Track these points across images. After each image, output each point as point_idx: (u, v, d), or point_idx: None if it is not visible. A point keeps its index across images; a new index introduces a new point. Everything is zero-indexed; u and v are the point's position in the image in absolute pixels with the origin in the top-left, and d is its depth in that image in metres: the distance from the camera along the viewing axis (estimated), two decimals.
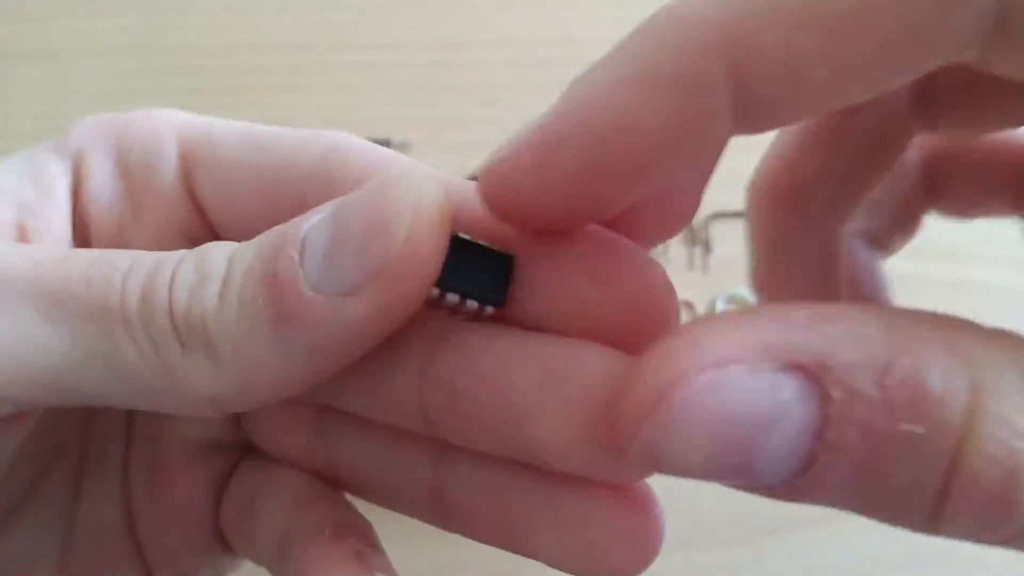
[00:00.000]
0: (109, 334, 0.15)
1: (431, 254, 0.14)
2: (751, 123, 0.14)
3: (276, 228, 0.15)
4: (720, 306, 0.36)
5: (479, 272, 0.15)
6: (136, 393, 0.15)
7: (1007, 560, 0.30)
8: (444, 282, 0.14)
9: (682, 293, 0.36)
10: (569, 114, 0.13)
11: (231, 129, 0.19)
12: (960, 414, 0.11)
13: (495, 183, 0.14)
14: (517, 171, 0.14)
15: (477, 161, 0.37)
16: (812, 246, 0.21)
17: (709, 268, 0.36)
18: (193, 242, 0.18)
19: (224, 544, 0.21)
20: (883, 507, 0.12)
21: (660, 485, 0.32)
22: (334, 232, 0.14)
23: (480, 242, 0.15)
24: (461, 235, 0.15)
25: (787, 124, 0.15)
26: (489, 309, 0.15)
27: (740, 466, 0.11)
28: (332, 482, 0.20)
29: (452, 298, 0.15)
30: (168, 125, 0.19)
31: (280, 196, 0.18)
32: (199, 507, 0.20)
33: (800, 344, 0.11)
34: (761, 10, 0.12)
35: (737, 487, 0.12)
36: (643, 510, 0.16)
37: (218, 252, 0.15)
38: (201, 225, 0.19)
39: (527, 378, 0.15)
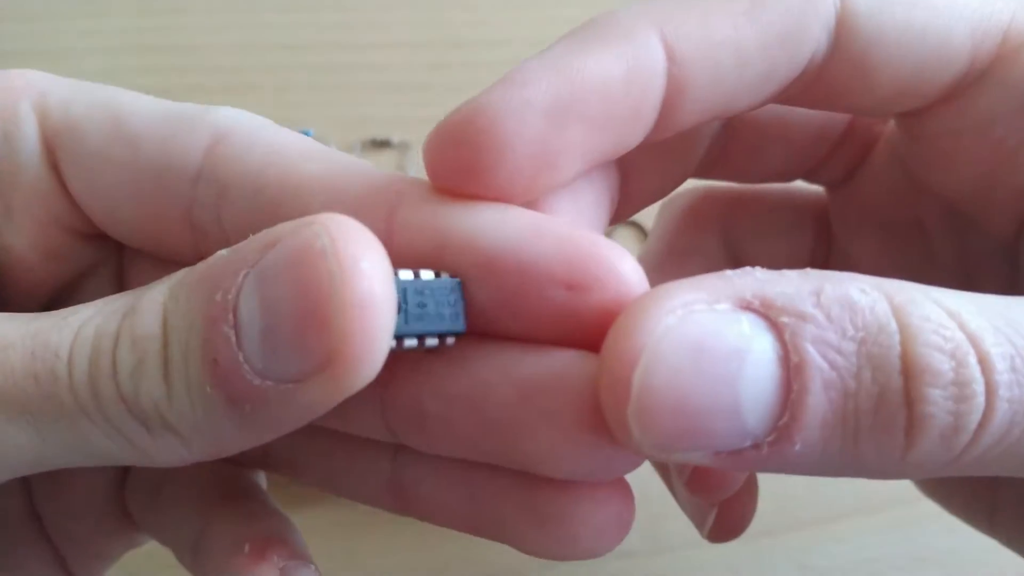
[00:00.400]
0: (74, 427, 0.14)
1: (381, 325, 0.12)
2: (670, 118, 0.16)
3: (202, 280, 0.13)
4: None
5: (433, 306, 0.14)
6: (117, 461, 0.15)
7: (1008, 561, 0.30)
8: (399, 332, 0.13)
9: None
10: (536, 72, 0.15)
11: (94, 115, 0.17)
12: (891, 318, 0.13)
13: (449, 146, 0.15)
14: (476, 130, 0.15)
15: None
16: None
17: None
18: (80, 237, 0.17)
19: (135, 523, 0.20)
20: (863, 434, 0.13)
21: (661, 488, 0.32)
22: (265, 319, 0.12)
23: (424, 274, 0.14)
24: (403, 276, 0.13)
25: (697, 121, 0.17)
26: (451, 340, 0.14)
27: (731, 405, 0.12)
28: (258, 463, 0.19)
29: (411, 343, 0.14)
30: (26, 104, 0.17)
31: (163, 199, 0.16)
32: (101, 492, 0.20)
33: (743, 288, 0.13)
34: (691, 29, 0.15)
35: (737, 451, 0.13)
36: (620, 498, 0.16)
37: (150, 322, 0.14)
38: (82, 220, 0.17)
39: (506, 395, 0.14)
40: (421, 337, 0.14)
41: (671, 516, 0.32)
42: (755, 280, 0.13)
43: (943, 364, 0.12)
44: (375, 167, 0.17)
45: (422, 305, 0.13)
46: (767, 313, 0.13)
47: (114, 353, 0.14)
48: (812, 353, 0.12)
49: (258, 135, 0.17)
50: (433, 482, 0.17)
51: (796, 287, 0.13)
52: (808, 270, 0.13)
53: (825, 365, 0.12)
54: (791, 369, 0.12)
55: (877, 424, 0.13)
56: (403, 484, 0.17)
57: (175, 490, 0.19)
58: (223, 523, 0.18)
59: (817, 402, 0.12)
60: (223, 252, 0.13)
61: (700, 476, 0.20)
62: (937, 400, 0.12)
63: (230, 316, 0.13)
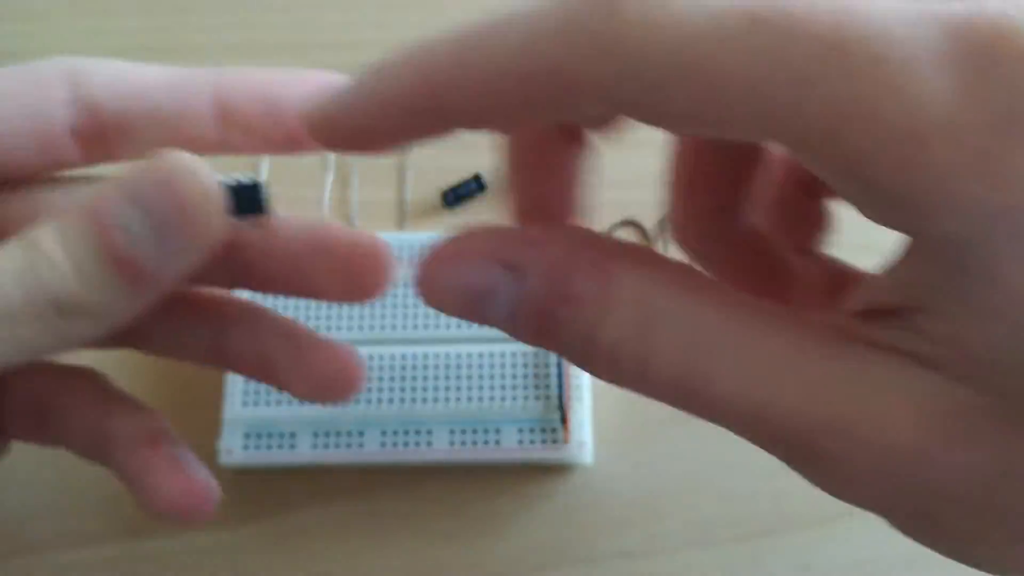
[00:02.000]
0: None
1: (218, 208, 0.20)
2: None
3: (90, 209, 0.19)
4: None
5: (246, 197, 0.21)
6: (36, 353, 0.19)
7: None
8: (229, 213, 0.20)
9: None
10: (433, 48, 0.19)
11: None
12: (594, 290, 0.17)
13: (331, 109, 0.19)
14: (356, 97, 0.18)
15: (477, 158, 0.37)
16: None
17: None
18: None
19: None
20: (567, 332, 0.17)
21: (660, 489, 0.32)
22: (152, 220, 0.19)
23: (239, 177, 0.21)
24: (225, 180, 0.20)
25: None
26: (261, 218, 0.21)
27: (480, 311, 0.18)
28: (115, 342, 0.24)
29: (236, 219, 0.20)
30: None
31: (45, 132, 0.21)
32: None
33: (509, 251, 0.17)
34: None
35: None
36: (354, 359, 0.23)
37: (50, 237, 0.19)
38: None
39: (296, 248, 0.23)
40: (244, 216, 0.20)
41: (670, 516, 0.32)
42: (503, 242, 0.18)
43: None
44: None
45: (240, 196, 0.20)
46: (510, 267, 0.18)
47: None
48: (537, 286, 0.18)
49: (99, 65, 0.22)
50: (239, 347, 0.24)
51: (490, 250, 0.18)
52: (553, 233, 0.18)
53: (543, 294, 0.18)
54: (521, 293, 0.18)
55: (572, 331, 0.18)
56: (221, 349, 0.24)
57: (65, 407, 0.24)
58: (120, 426, 0.23)
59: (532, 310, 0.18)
60: (95, 187, 0.20)
61: None
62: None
63: (122, 224, 0.19)
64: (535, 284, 0.17)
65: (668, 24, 0.14)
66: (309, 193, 0.38)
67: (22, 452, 0.33)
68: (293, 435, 0.32)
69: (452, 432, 0.32)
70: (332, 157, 0.38)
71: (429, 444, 0.32)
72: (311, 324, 0.33)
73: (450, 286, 0.18)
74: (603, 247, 0.18)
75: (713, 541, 0.31)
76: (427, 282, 0.19)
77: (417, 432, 0.32)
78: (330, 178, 0.38)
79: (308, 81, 0.23)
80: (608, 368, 0.17)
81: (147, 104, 0.21)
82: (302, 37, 0.42)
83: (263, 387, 0.32)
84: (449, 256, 0.18)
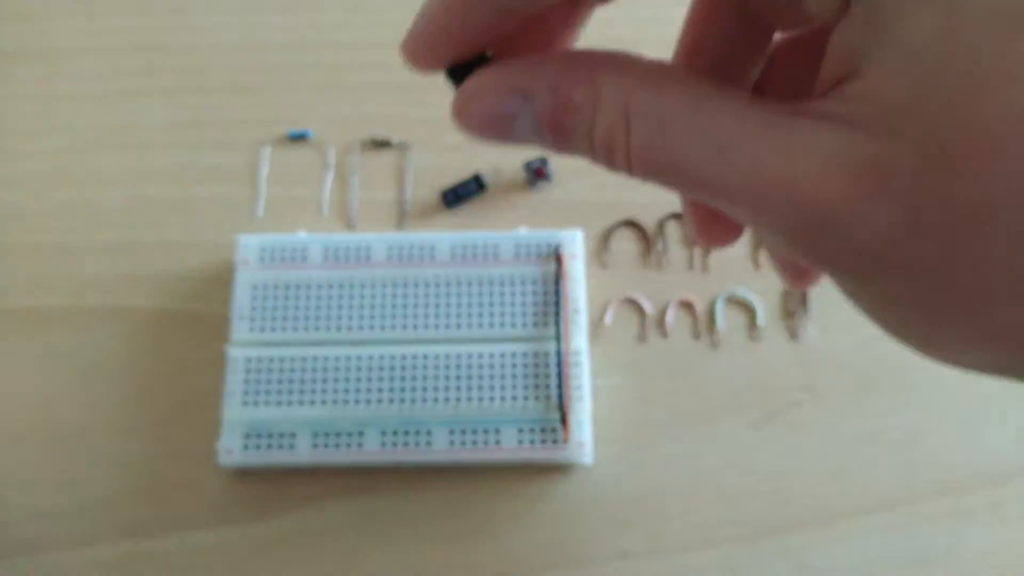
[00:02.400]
0: None
1: None
2: None
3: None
4: (720, 306, 0.36)
5: None
6: None
7: (1008, 561, 0.30)
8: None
9: (682, 293, 0.36)
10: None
11: None
12: (590, 102, 0.20)
13: (412, 46, 0.22)
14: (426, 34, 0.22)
15: (478, 160, 0.37)
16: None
17: (709, 268, 0.36)
18: None
19: None
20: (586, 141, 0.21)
21: (660, 489, 0.32)
22: None
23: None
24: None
25: None
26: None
27: (510, 132, 0.21)
28: None
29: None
30: None
31: None
32: None
33: (517, 81, 0.21)
34: None
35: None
36: None
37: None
38: None
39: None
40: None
41: (671, 516, 0.32)
42: (528, 76, 0.21)
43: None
44: None
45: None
46: (529, 95, 0.21)
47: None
48: (545, 105, 0.21)
49: None
50: None
51: (546, 84, 0.21)
52: (570, 60, 0.21)
53: (551, 110, 0.21)
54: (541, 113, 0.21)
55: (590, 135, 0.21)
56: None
57: None
58: None
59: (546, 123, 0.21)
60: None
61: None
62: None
63: None
64: (543, 102, 0.21)
65: None
66: (309, 193, 0.38)
67: (23, 452, 0.33)
68: (293, 436, 0.32)
69: (452, 432, 0.32)
70: (332, 157, 0.38)
71: (429, 444, 0.32)
72: (312, 324, 0.33)
73: (480, 118, 0.22)
74: (590, 62, 0.21)
75: (713, 541, 0.31)
76: (462, 117, 0.22)
77: (417, 432, 0.32)
78: (330, 178, 0.38)
79: None
80: (607, 158, 0.21)
81: None
82: (300, 37, 0.42)
83: (263, 388, 0.32)
84: (471, 93, 0.22)
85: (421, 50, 0.22)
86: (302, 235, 0.35)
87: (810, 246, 0.20)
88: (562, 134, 0.21)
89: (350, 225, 0.37)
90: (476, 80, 0.22)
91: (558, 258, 0.34)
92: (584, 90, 0.21)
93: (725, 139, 0.19)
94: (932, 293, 0.19)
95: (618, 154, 0.21)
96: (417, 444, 0.32)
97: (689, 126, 0.20)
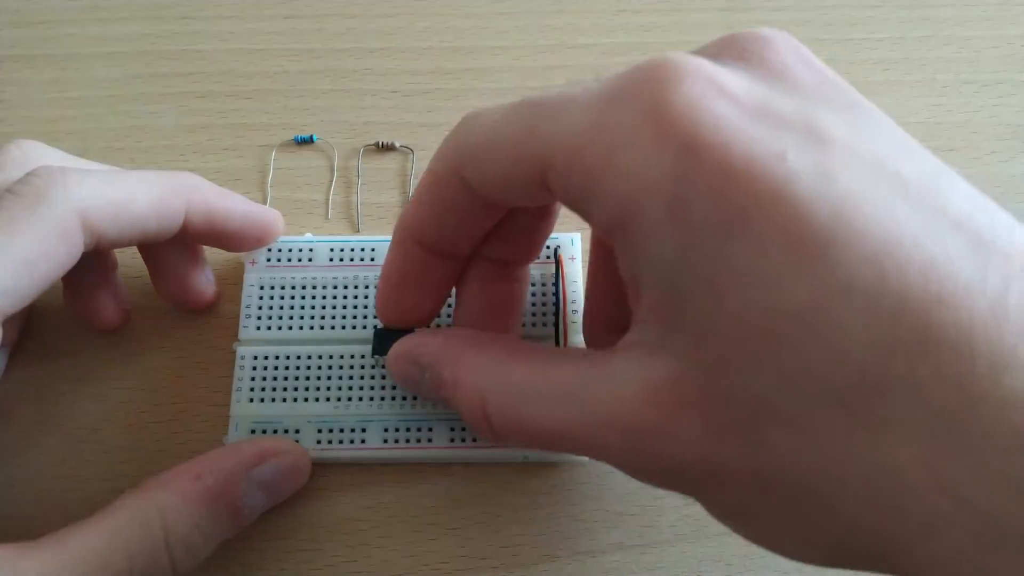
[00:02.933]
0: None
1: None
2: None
3: (219, 493, 0.29)
4: None
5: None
6: None
7: None
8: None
9: None
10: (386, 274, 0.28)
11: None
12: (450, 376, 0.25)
13: (380, 310, 0.29)
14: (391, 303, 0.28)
15: None
16: (431, 276, 0.28)
17: None
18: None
19: None
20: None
21: None
22: (267, 498, 0.31)
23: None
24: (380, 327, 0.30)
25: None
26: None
27: (418, 391, 0.27)
28: None
29: None
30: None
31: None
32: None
33: (413, 355, 0.27)
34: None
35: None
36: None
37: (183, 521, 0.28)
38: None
39: None
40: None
41: (664, 510, 0.32)
42: (419, 344, 0.28)
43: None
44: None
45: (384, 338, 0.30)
46: (420, 365, 0.28)
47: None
48: (433, 382, 0.27)
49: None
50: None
51: (432, 359, 0.27)
52: (448, 340, 0.27)
53: (433, 388, 0.27)
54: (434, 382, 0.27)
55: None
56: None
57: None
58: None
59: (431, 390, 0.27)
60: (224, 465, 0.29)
61: None
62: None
63: (249, 504, 0.29)
64: (427, 376, 0.26)
65: None
66: (312, 196, 0.39)
67: (24, 451, 0.33)
68: (298, 431, 0.32)
69: (452, 430, 0.32)
70: (335, 160, 0.39)
71: (430, 441, 0.32)
72: (318, 323, 0.34)
73: (398, 377, 0.28)
74: (457, 344, 0.25)
75: (708, 534, 0.32)
76: (391, 373, 0.28)
77: (419, 429, 0.32)
78: (333, 181, 0.39)
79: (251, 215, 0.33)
80: (478, 430, 0.24)
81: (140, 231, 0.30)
82: (307, 44, 0.42)
83: (270, 384, 0.33)
84: (391, 359, 0.28)
85: (383, 314, 0.28)
86: (309, 237, 0.36)
87: (644, 470, 0.21)
88: (447, 404, 0.25)
89: (355, 227, 0.38)
90: (395, 347, 0.27)
91: (557, 260, 0.34)
92: (448, 371, 0.25)
93: (563, 392, 0.21)
94: (742, 497, 0.19)
95: (482, 425, 0.23)
96: (418, 440, 0.32)
97: (534, 391, 0.22)
